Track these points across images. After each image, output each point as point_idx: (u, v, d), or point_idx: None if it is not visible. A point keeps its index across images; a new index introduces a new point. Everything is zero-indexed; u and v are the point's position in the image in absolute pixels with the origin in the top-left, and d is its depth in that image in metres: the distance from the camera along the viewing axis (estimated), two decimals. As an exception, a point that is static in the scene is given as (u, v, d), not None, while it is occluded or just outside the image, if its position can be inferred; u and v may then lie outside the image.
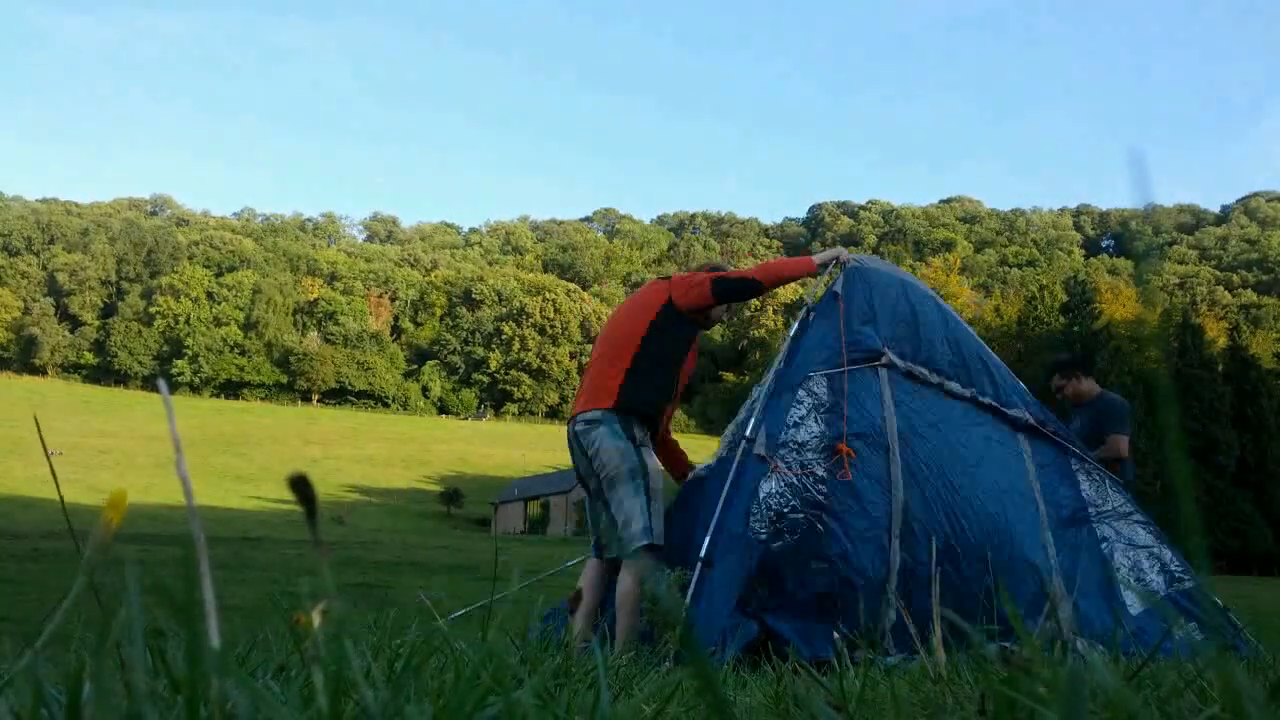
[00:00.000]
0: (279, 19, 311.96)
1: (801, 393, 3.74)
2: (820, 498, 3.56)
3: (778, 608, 3.42)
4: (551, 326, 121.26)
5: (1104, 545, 4.29)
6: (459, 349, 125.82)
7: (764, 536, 3.47)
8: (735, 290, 3.88)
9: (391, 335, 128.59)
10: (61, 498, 0.82)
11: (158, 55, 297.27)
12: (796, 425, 3.68)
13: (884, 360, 3.93)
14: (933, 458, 3.88)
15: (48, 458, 0.93)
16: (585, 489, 3.87)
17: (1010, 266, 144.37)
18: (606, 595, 3.78)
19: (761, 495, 3.53)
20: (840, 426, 3.68)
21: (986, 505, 3.91)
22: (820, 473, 3.59)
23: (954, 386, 4.16)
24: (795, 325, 4.10)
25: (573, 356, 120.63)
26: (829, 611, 3.46)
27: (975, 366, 4.31)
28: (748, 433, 3.70)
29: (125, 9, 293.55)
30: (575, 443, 3.82)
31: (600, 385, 3.77)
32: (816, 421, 3.70)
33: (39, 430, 0.95)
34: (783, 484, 3.55)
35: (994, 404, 4.27)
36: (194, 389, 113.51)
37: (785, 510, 3.52)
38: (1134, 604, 4.14)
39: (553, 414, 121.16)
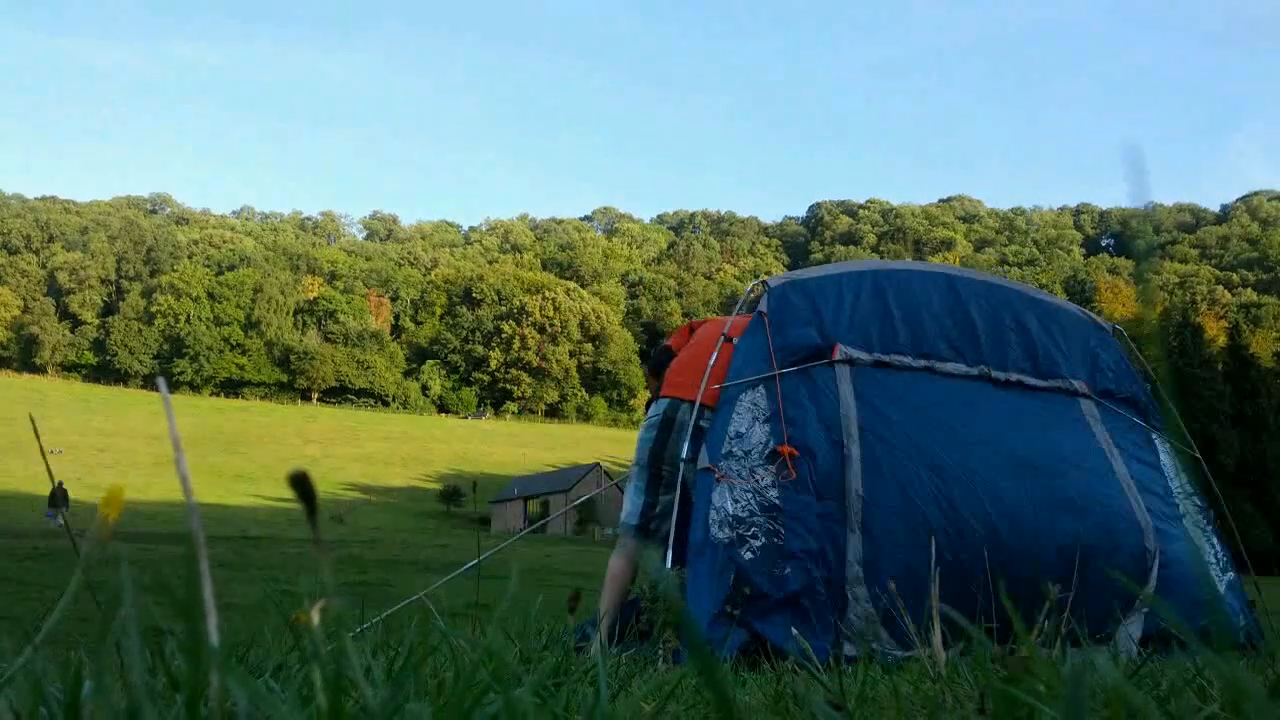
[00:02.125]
0: (279, 19, 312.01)
1: (739, 406, 3.76)
2: (775, 500, 3.58)
3: (761, 612, 3.45)
4: (551, 325, 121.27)
5: (1184, 517, 4.20)
6: (459, 348, 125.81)
7: (727, 543, 3.49)
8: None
9: (391, 334, 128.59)
10: (52, 505, 0.83)
11: (157, 53, 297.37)
12: (739, 435, 3.70)
13: (837, 355, 3.90)
14: (914, 444, 3.80)
15: (44, 457, 0.93)
16: (655, 473, 3.87)
17: (1010, 265, 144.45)
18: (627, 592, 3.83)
19: (716, 504, 3.56)
20: (781, 431, 3.70)
21: (998, 482, 3.79)
22: (768, 478, 3.61)
23: (952, 367, 4.06)
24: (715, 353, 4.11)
25: (572, 355, 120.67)
26: (806, 609, 3.47)
27: (1001, 336, 4.15)
28: (684, 454, 3.74)
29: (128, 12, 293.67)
30: (690, 433, 3.87)
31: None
32: (759, 429, 3.72)
33: (35, 429, 0.95)
34: (735, 491, 3.58)
35: (1015, 378, 4.10)
36: (194, 388, 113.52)
37: (744, 516, 3.54)
38: (1222, 579, 4.13)
39: (552, 412, 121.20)
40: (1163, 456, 4.24)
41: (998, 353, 4.13)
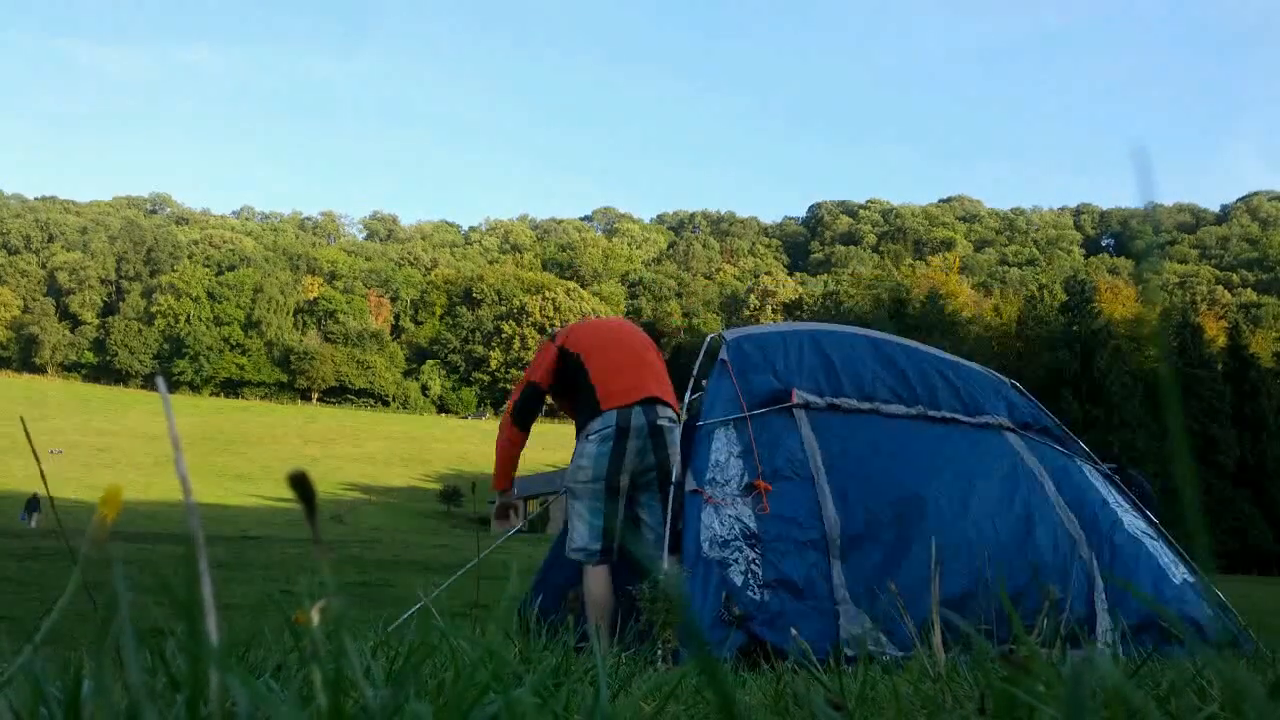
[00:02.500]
0: (278, 19, 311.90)
1: (716, 442, 4.05)
2: (754, 529, 3.84)
3: (762, 621, 3.63)
4: (551, 325, 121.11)
5: (1129, 529, 4.53)
6: (459, 348, 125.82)
7: (719, 562, 3.71)
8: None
9: (391, 334, 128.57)
10: (51, 498, 0.82)
11: (157, 53, 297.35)
12: (719, 465, 3.99)
13: (794, 399, 4.25)
14: (872, 476, 4.16)
15: (36, 459, 0.92)
16: (611, 487, 3.83)
17: (1010, 265, 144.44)
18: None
19: (705, 524, 3.78)
20: (755, 466, 4.00)
21: (951, 505, 4.16)
22: (747, 508, 3.88)
23: (894, 408, 4.46)
24: (688, 392, 4.45)
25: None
26: (789, 627, 3.63)
27: (929, 383, 4.62)
28: (674, 477, 3.94)
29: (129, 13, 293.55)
30: (646, 432, 3.86)
31: (669, 390, 4.01)
32: (734, 463, 4.01)
33: (25, 430, 0.94)
34: (720, 514, 3.84)
35: (949, 415, 4.55)
36: (194, 388, 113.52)
37: (730, 539, 3.78)
38: (1175, 575, 4.42)
39: (552, 412, 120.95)
40: (1090, 477, 4.70)
41: (930, 395, 4.59)
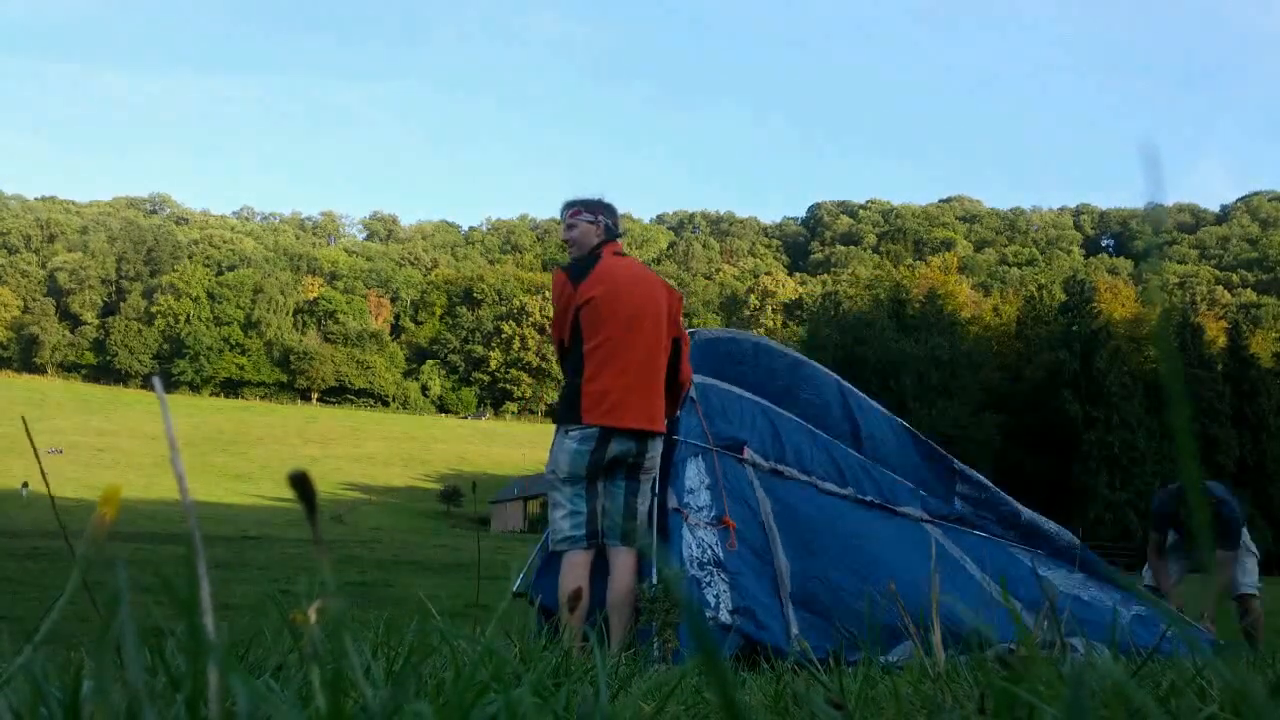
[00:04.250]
0: (277, 17, 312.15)
1: (690, 468, 4.24)
2: (722, 558, 4.03)
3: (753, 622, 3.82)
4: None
5: (1064, 588, 4.83)
6: (459, 348, 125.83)
7: (698, 581, 3.89)
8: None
9: (391, 334, 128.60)
10: (52, 498, 0.82)
11: (155, 53, 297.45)
12: (693, 491, 4.18)
13: (745, 454, 4.49)
14: (818, 534, 4.40)
15: (38, 458, 0.92)
16: (591, 478, 3.77)
17: (1010, 266, 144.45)
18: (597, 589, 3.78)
19: (687, 541, 3.97)
20: (721, 502, 4.21)
21: (894, 576, 4.38)
22: (715, 538, 4.07)
23: (830, 486, 4.73)
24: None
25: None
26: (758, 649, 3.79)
27: (855, 472, 4.90)
28: (655, 489, 4.05)
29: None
30: (630, 460, 3.81)
31: (662, 405, 3.89)
32: (704, 494, 4.21)
33: (27, 430, 0.94)
34: (697, 535, 4.03)
35: (877, 502, 4.83)
36: (194, 388, 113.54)
37: (705, 560, 3.98)
38: (1125, 616, 4.64)
39: (552, 413, 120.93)
40: (1014, 552, 5.01)
41: (858, 484, 4.89)
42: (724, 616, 3.82)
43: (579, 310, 3.81)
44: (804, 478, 4.68)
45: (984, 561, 4.80)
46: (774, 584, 4.14)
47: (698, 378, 4.61)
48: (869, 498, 4.84)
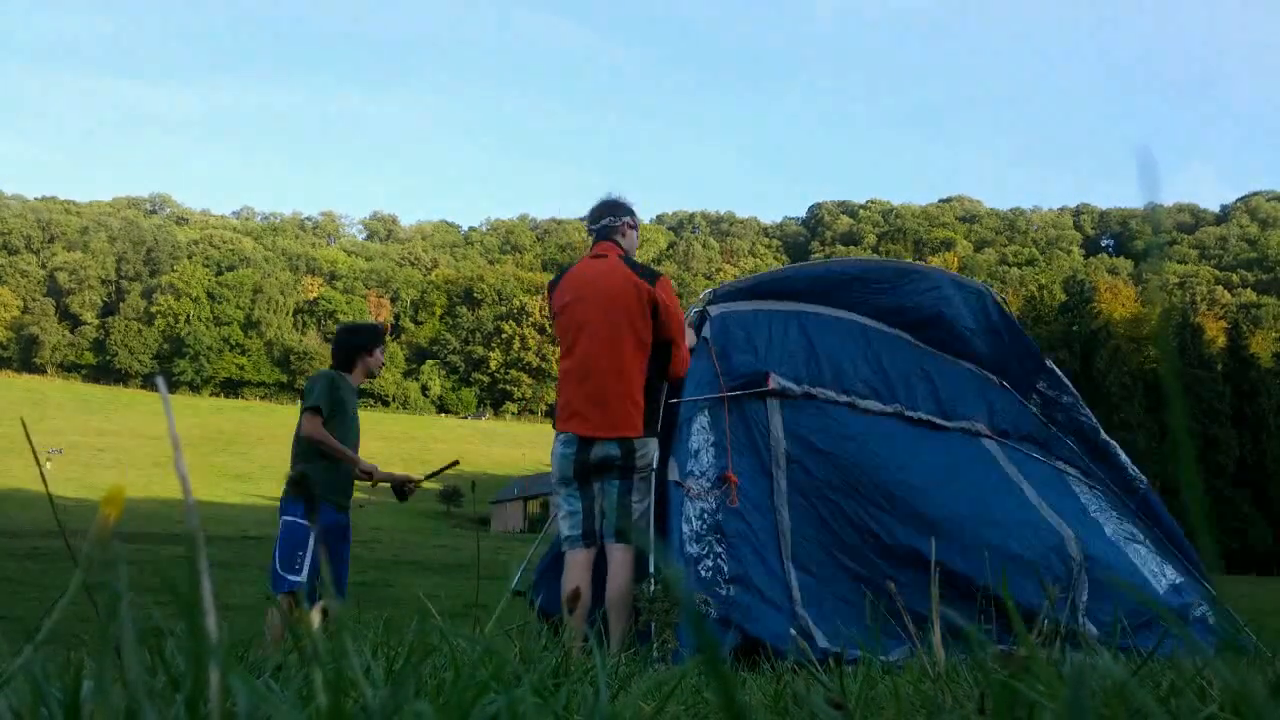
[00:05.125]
0: (277, 18, 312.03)
1: (695, 425, 4.03)
2: (720, 523, 3.85)
3: (735, 617, 3.66)
4: (551, 326, 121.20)
5: (1110, 536, 4.53)
6: (459, 348, 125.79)
7: (695, 558, 3.75)
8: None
9: (391, 334, 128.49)
10: (51, 497, 0.83)
11: (155, 53, 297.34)
12: (695, 454, 3.98)
13: (770, 384, 4.18)
14: (840, 473, 4.12)
15: (37, 461, 0.92)
16: (582, 477, 3.80)
17: (1010, 266, 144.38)
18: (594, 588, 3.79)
19: (686, 516, 3.81)
20: (726, 457, 3.99)
21: (921, 502, 4.13)
22: (714, 501, 3.89)
23: (870, 404, 4.40)
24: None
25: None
26: (748, 625, 3.66)
27: (909, 383, 4.56)
28: (654, 464, 3.92)
29: (129, 7, 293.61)
30: (596, 465, 3.78)
31: (625, 411, 3.72)
32: (707, 452, 4.00)
33: (26, 432, 0.94)
34: (697, 507, 3.85)
35: (925, 418, 4.51)
36: (194, 388, 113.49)
37: (703, 533, 3.81)
38: (1162, 580, 4.42)
39: (552, 413, 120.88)
40: (1071, 484, 4.69)
41: (909, 395, 4.54)
42: (721, 589, 3.71)
43: (555, 320, 3.98)
44: (841, 398, 4.34)
45: (1040, 485, 4.49)
46: (777, 542, 3.94)
47: (713, 308, 4.40)
48: (917, 413, 4.48)
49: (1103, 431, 4.90)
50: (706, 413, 4.06)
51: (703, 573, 3.71)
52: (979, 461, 4.49)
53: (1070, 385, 4.93)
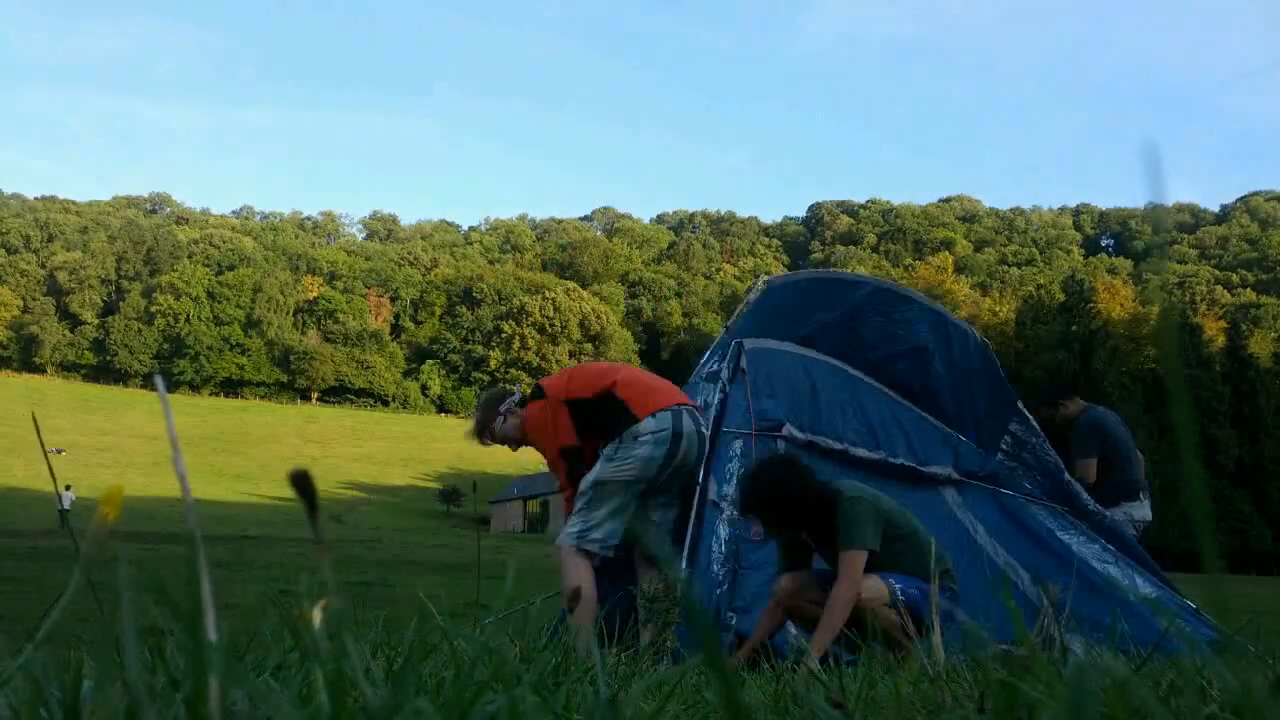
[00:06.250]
0: (277, 18, 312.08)
1: (730, 451, 4.25)
2: (741, 550, 4.01)
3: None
4: (551, 325, 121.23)
5: (1080, 552, 4.74)
6: (458, 348, 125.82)
7: (718, 579, 3.88)
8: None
9: (391, 334, 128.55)
10: (59, 495, 0.83)
11: (155, 52, 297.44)
12: (730, 479, 4.16)
13: (784, 432, 4.43)
14: None
15: (46, 457, 0.92)
16: (649, 490, 3.91)
17: (1009, 265, 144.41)
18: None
19: (719, 537, 3.98)
20: None
21: None
22: (737, 530, 4.05)
23: (860, 452, 4.65)
24: (724, 373, 4.60)
25: (572, 355, 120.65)
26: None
27: (889, 429, 4.84)
28: (698, 480, 4.07)
29: (128, 12, 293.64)
30: (696, 439, 3.93)
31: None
32: (735, 484, 4.16)
33: (37, 426, 0.94)
34: (729, 532, 4.01)
35: (906, 464, 4.75)
36: (194, 388, 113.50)
37: (726, 555, 3.98)
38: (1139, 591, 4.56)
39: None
40: (1036, 511, 4.90)
41: (889, 443, 4.82)
42: (726, 615, 3.83)
43: (575, 406, 4.30)
44: (837, 446, 4.61)
45: (998, 528, 4.71)
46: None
47: (748, 343, 4.68)
48: (899, 459, 4.76)
49: (1066, 473, 5.14)
50: (737, 444, 4.31)
51: (717, 592, 3.86)
52: (934, 509, 4.71)
53: (1038, 427, 5.23)
